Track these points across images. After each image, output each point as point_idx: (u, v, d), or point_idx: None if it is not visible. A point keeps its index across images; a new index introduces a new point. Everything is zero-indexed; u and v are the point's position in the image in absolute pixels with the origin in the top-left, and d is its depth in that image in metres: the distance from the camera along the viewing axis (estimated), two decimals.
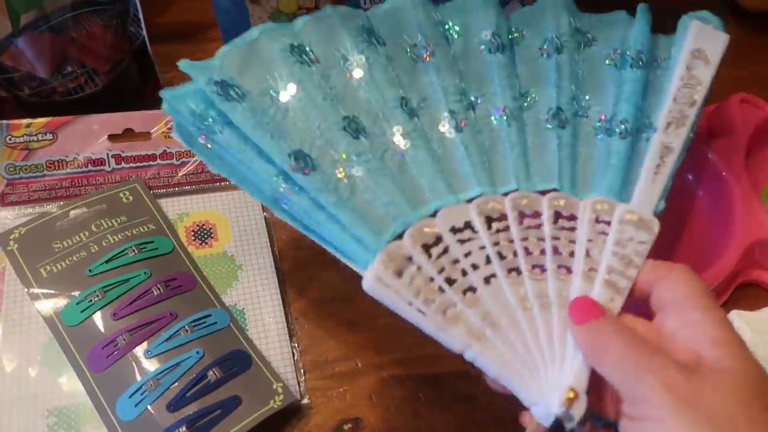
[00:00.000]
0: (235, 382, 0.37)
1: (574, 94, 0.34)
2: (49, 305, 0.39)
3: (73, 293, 0.39)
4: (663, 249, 0.44)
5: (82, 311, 0.38)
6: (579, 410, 0.26)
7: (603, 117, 0.34)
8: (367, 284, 0.28)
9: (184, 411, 0.35)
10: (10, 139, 0.43)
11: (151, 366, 0.36)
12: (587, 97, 0.34)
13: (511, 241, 0.29)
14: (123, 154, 0.45)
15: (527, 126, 0.34)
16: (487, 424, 0.38)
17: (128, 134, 0.45)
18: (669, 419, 0.23)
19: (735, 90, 0.49)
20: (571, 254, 0.30)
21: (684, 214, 0.46)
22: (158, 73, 0.50)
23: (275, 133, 0.31)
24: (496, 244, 0.29)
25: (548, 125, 0.33)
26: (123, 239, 0.41)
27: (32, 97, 0.47)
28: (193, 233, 0.43)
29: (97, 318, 0.38)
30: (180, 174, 0.46)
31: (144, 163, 0.45)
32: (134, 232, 0.42)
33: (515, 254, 0.29)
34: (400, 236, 0.29)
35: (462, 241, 0.29)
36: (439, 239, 0.29)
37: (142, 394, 0.36)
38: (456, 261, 0.29)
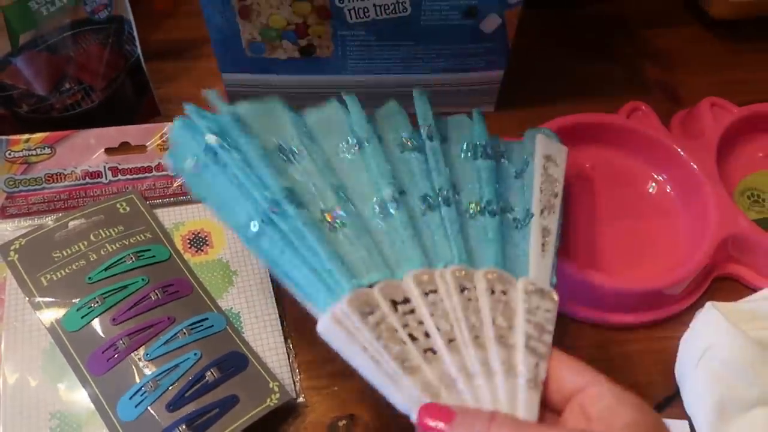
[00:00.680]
0: (233, 382, 0.38)
1: (443, 183, 0.36)
2: (50, 312, 0.40)
3: (73, 300, 0.40)
4: (641, 247, 0.46)
5: (82, 317, 0.39)
6: None
7: (474, 199, 0.36)
8: (325, 323, 0.29)
9: (183, 410, 0.36)
10: (10, 154, 0.45)
11: (151, 368, 0.38)
12: (455, 185, 0.37)
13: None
14: (119, 167, 0.46)
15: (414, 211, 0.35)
16: None
17: (124, 147, 0.47)
18: None
19: (705, 94, 0.51)
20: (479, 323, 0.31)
21: (660, 212, 0.48)
22: (152, 89, 0.52)
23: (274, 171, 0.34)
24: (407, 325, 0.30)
25: (429, 210, 0.35)
26: (121, 248, 0.42)
27: (31, 113, 0.48)
28: (188, 241, 0.45)
29: (97, 323, 0.39)
30: (175, 185, 0.47)
31: (140, 175, 0.47)
32: (132, 240, 0.43)
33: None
34: (369, 286, 0.30)
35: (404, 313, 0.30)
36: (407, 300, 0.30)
37: (142, 396, 0.37)
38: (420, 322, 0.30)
